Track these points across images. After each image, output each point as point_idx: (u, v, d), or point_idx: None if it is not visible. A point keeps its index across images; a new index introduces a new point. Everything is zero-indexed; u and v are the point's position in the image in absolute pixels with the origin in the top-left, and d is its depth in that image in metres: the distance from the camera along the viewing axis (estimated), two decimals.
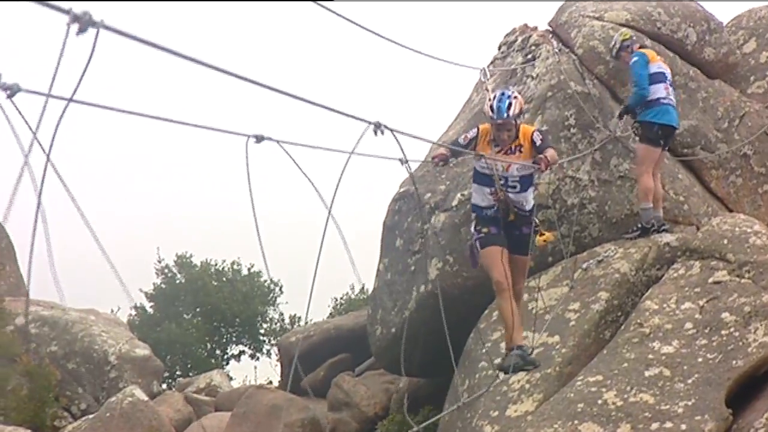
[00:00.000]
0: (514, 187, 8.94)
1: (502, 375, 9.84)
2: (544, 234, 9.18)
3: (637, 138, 12.16)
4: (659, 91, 11.71)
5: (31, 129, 2.87)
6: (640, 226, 11.90)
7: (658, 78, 11.76)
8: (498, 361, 10.07)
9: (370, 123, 4.62)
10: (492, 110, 8.74)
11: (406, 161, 5.62)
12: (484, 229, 9.15)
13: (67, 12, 2.56)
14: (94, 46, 2.74)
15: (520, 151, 8.90)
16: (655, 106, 11.66)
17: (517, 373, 9.66)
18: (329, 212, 4.76)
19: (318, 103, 4.11)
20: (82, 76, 2.81)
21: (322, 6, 5.64)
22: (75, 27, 2.60)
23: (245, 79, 3.53)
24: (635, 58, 11.92)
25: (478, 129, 9.11)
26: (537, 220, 9.36)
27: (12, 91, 2.63)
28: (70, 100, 2.84)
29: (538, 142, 8.87)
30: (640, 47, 12.31)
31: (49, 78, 2.80)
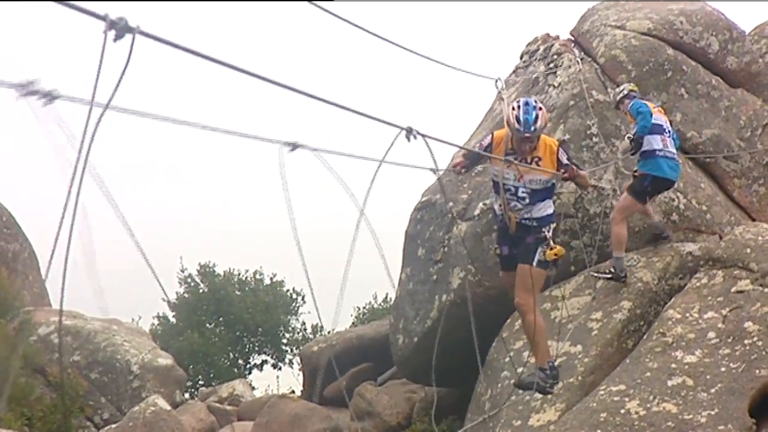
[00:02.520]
0: (523, 198, 8.36)
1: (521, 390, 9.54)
2: (554, 248, 8.41)
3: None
4: (656, 142, 11.22)
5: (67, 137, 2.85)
6: (611, 271, 11.43)
7: (656, 129, 11.25)
8: (521, 370, 9.85)
9: (402, 128, 4.56)
10: (518, 122, 8.06)
11: (438, 170, 5.45)
12: (497, 250, 8.91)
13: (103, 18, 2.53)
14: (130, 53, 2.71)
15: (538, 164, 8.28)
16: (651, 157, 11.18)
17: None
18: (361, 214, 4.73)
19: (352, 109, 4.05)
20: (119, 83, 2.76)
21: (324, 9, 5.59)
22: (111, 34, 2.57)
23: (280, 85, 3.49)
24: (634, 102, 11.47)
25: (492, 136, 8.52)
26: (547, 233, 8.47)
27: (49, 98, 2.60)
28: (106, 107, 2.80)
29: (564, 161, 8.28)
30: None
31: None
